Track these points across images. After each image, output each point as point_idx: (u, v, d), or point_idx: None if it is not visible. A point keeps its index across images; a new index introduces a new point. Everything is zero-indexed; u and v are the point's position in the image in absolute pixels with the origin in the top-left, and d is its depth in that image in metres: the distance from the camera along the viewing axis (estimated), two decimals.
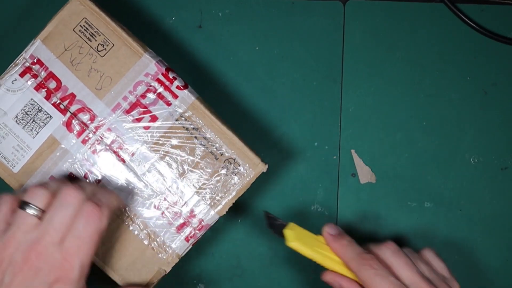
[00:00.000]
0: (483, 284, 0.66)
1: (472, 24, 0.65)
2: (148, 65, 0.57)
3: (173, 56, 0.66)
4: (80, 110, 0.55)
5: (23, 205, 0.48)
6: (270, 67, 0.66)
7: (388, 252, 0.55)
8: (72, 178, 0.56)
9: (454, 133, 0.66)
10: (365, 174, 0.66)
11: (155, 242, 0.56)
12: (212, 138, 0.56)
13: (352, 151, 0.66)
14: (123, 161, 0.56)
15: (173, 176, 0.56)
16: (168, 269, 0.56)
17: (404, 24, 0.66)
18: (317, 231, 0.66)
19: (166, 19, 0.66)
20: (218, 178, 0.56)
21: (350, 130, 0.66)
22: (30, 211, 0.48)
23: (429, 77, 0.66)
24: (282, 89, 0.66)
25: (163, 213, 0.56)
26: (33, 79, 0.55)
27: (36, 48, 0.56)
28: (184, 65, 0.66)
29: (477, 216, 0.66)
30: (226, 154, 0.56)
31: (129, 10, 0.66)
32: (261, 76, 0.66)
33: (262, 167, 0.57)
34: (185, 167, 0.56)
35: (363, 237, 0.66)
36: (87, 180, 0.56)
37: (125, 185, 0.56)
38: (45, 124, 0.55)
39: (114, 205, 0.52)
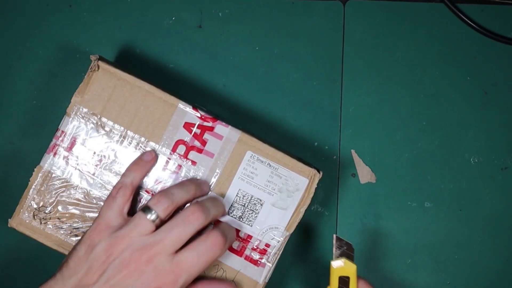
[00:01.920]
0: (483, 284, 0.66)
1: (472, 24, 0.65)
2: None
3: (173, 56, 0.66)
4: None
5: (145, 208, 0.50)
6: (270, 67, 0.66)
7: None
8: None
9: (454, 133, 0.66)
10: (365, 174, 0.66)
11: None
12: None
13: (352, 151, 0.66)
14: None
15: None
16: None
17: (404, 24, 0.66)
18: (317, 231, 0.66)
19: (166, 19, 0.66)
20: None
21: (350, 130, 0.66)
22: (151, 217, 0.49)
23: (429, 77, 0.66)
24: (282, 89, 0.66)
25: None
26: None
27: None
28: (184, 65, 0.66)
29: (477, 216, 0.66)
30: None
31: (129, 11, 0.66)
32: (261, 76, 0.66)
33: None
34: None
35: (363, 237, 0.66)
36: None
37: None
38: None
39: (233, 239, 0.54)
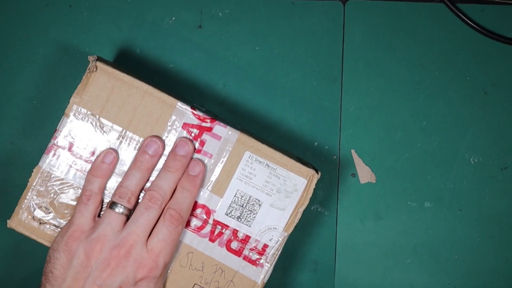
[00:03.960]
0: (483, 284, 0.66)
1: (472, 24, 0.65)
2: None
3: (173, 56, 0.66)
4: None
5: (112, 205, 0.53)
6: (270, 67, 0.66)
7: None
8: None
9: (454, 133, 0.66)
10: (365, 174, 0.66)
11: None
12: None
13: (352, 151, 0.66)
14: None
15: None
16: None
17: (404, 24, 0.66)
18: (316, 230, 0.66)
19: (166, 19, 0.66)
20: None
21: (350, 130, 0.66)
22: (119, 210, 0.53)
23: (429, 77, 0.66)
24: (282, 89, 0.66)
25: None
26: None
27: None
28: (184, 65, 0.66)
29: (477, 216, 0.66)
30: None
31: (129, 11, 0.66)
32: (261, 76, 0.66)
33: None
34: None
35: (363, 237, 0.66)
36: None
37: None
38: None
39: (190, 208, 0.55)
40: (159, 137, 0.55)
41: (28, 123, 0.65)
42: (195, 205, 0.56)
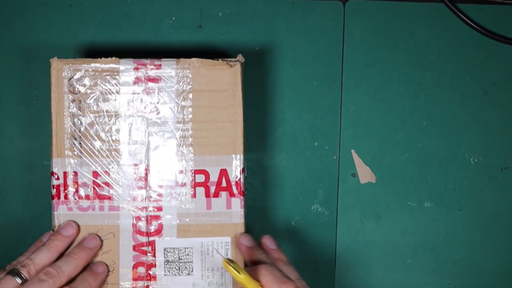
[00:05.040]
0: (483, 284, 0.66)
1: (472, 24, 0.65)
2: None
3: (173, 56, 0.66)
4: None
5: (12, 270, 0.53)
6: (270, 67, 0.66)
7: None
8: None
9: (454, 133, 0.66)
10: (365, 174, 0.66)
11: None
12: None
13: (352, 151, 0.66)
14: None
15: None
16: None
17: (404, 24, 0.66)
18: (316, 230, 0.66)
19: (166, 19, 0.66)
20: None
21: (350, 130, 0.66)
22: (17, 278, 0.53)
23: (429, 77, 0.66)
24: (282, 89, 0.66)
25: None
26: None
27: None
28: None
29: (477, 216, 0.66)
30: None
31: (129, 11, 0.66)
32: (262, 76, 0.66)
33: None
34: None
35: (363, 237, 0.66)
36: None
37: None
38: None
39: None
40: (76, 223, 0.56)
41: (28, 123, 0.65)
42: (156, 217, 0.56)
